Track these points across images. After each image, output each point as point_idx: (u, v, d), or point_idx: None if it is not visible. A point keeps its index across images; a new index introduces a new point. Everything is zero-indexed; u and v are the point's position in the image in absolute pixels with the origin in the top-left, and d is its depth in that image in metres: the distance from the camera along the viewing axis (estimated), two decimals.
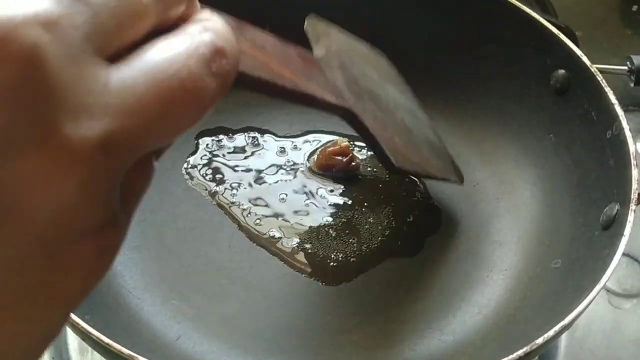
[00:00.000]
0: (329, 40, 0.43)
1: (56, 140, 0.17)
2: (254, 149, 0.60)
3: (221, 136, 0.61)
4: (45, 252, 0.18)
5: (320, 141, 0.61)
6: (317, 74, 0.36)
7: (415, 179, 0.59)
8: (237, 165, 0.59)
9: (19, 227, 0.18)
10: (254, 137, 0.61)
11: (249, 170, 0.59)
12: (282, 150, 0.60)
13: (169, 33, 0.20)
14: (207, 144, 0.60)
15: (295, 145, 0.61)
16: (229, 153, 0.60)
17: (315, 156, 0.60)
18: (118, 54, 0.19)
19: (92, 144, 0.18)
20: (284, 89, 0.29)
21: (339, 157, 0.59)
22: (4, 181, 0.17)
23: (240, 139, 0.61)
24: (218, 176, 0.58)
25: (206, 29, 0.20)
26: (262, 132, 0.62)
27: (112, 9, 0.19)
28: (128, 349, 0.39)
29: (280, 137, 0.61)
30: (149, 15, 0.20)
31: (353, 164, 0.59)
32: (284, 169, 0.59)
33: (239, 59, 0.21)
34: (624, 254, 0.59)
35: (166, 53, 0.19)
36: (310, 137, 0.62)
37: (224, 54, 0.20)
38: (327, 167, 0.59)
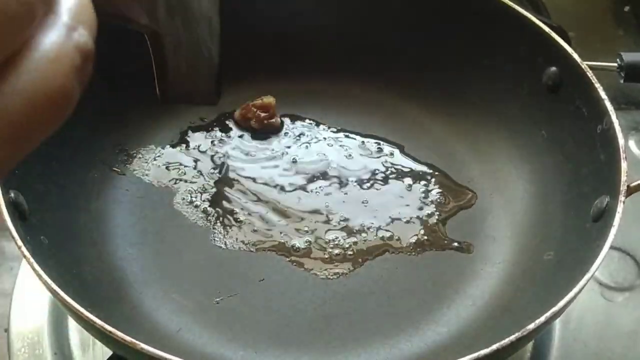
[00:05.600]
0: None
1: None
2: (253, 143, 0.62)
3: (218, 132, 0.62)
4: None
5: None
6: None
7: None
8: (235, 160, 0.61)
9: None
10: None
11: (247, 163, 0.60)
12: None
13: (40, 25, 0.18)
14: (202, 140, 0.62)
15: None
16: (232, 149, 0.61)
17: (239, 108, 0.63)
18: None
19: None
20: (106, 13, 0.30)
21: (259, 112, 0.62)
22: None
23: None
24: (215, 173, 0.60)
25: (77, 20, 0.19)
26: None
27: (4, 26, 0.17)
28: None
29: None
30: (36, 18, 0.18)
31: (272, 120, 0.62)
32: (282, 165, 0.60)
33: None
34: (616, 248, 0.61)
35: (42, 68, 0.18)
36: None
37: (91, 56, 0.19)
38: (246, 119, 0.62)
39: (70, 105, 0.19)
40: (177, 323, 0.51)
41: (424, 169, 0.61)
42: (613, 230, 0.45)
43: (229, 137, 0.62)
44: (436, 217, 0.58)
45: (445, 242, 0.56)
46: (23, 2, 0.17)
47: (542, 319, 0.41)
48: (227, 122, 0.63)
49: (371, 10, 0.63)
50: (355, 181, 0.60)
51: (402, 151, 0.62)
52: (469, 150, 0.62)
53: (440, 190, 0.59)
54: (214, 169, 0.60)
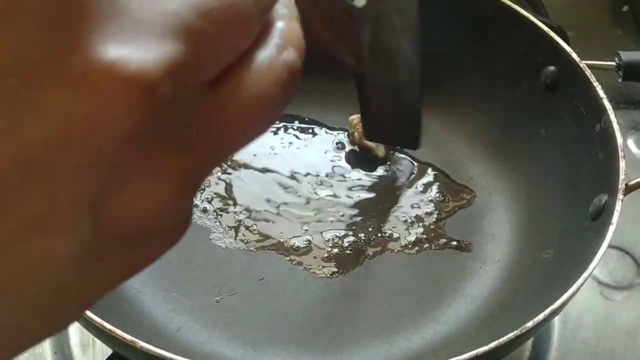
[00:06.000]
0: None
1: (162, 167, 0.17)
2: None
3: None
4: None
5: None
6: (350, 30, 0.38)
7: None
8: (234, 159, 0.61)
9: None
10: None
11: (246, 161, 0.60)
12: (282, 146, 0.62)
13: (255, 44, 0.20)
14: None
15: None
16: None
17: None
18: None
19: (187, 173, 0.18)
20: (315, 53, 0.31)
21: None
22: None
23: None
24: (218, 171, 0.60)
25: (287, 42, 0.20)
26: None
27: (227, 39, 0.18)
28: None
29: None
30: (253, 34, 0.20)
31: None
32: (281, 164, 0.60)
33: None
34: (615, 247, 0.61)
35: (256, 79, 0.19)
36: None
37: (298, 75, 0.20)
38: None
39: (273, 118, 0.20)
40: (176, 322, 0.51)
41: (423, 167, 0.61)
42: (611, 229, 0.45)
43: None
44: (435, 216, 0.58)
45: (445, 241, 0.56)
46: (244, 16, 0.19)
47: (540, 317, 0.41)
48: None
49: None
50: (355, 180, 0.60)
51: (401, 150, 0.62)
52: (468, 149, 0.62)
53: (439, 189, 0.59)
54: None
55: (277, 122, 0.63)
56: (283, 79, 0.20)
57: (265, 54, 0.20)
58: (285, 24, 0.21)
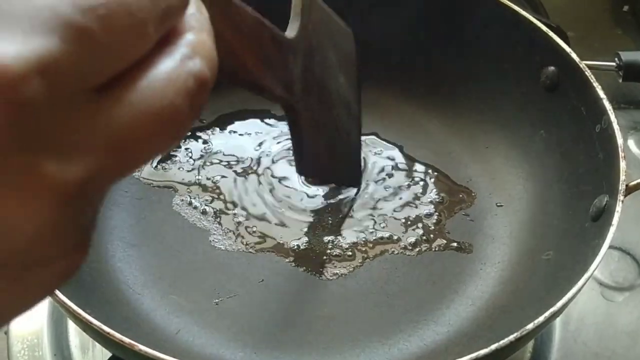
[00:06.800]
0: (309, 15, 0.43)
1: (35, 179, 0.16)
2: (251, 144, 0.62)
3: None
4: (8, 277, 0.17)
5: None
6: (279, 58, 0.37)
7: None
8: (231, 160, 0.60)
9: None
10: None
11: (245, 164, 0.60)
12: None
13: (157, 53, 0.19)
14: (201, 142, 0.62)
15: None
16: (230, 150, 0.61)
17: None
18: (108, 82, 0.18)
19: (70, 185, 0.16)
20: (242, 79, 0.30)
21: None
22: None
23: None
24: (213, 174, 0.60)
25: (195, 52, 0.20)
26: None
27: (115, 41, 0.17)
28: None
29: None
30: (149, 41, 0.19)
31: None
32: (279, 166, 0.60)
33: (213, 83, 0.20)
34: (616, 248, 0.61)
35: (154, 87, 0.18)
36: None
37: (206, 86, 0.20)
38: None
39: (180, 127, 0.19)
40: (176, 324, 0.51)
41: (423, 168, 0.61)
42: (612, 230, 0.45)
43: (228, 138, 0.62)
44: (435, 217, 0.58)
45: (445, 242, 0.56)
46: (137, 19, 0.18)
47: (541, 319, 0.41)
48: (226, 123, 0.63)
49: (367, 10, 0.63)
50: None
51: (401, 151, 0.62)
52: (468, 150, 0.62)
53: (439, 190, 0.59)
54: (213, 170, 0.60)
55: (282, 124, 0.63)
56: (188, 87, 0.19)
57: (168, 63, 0.19)
58: (195, 35, 0.20)
